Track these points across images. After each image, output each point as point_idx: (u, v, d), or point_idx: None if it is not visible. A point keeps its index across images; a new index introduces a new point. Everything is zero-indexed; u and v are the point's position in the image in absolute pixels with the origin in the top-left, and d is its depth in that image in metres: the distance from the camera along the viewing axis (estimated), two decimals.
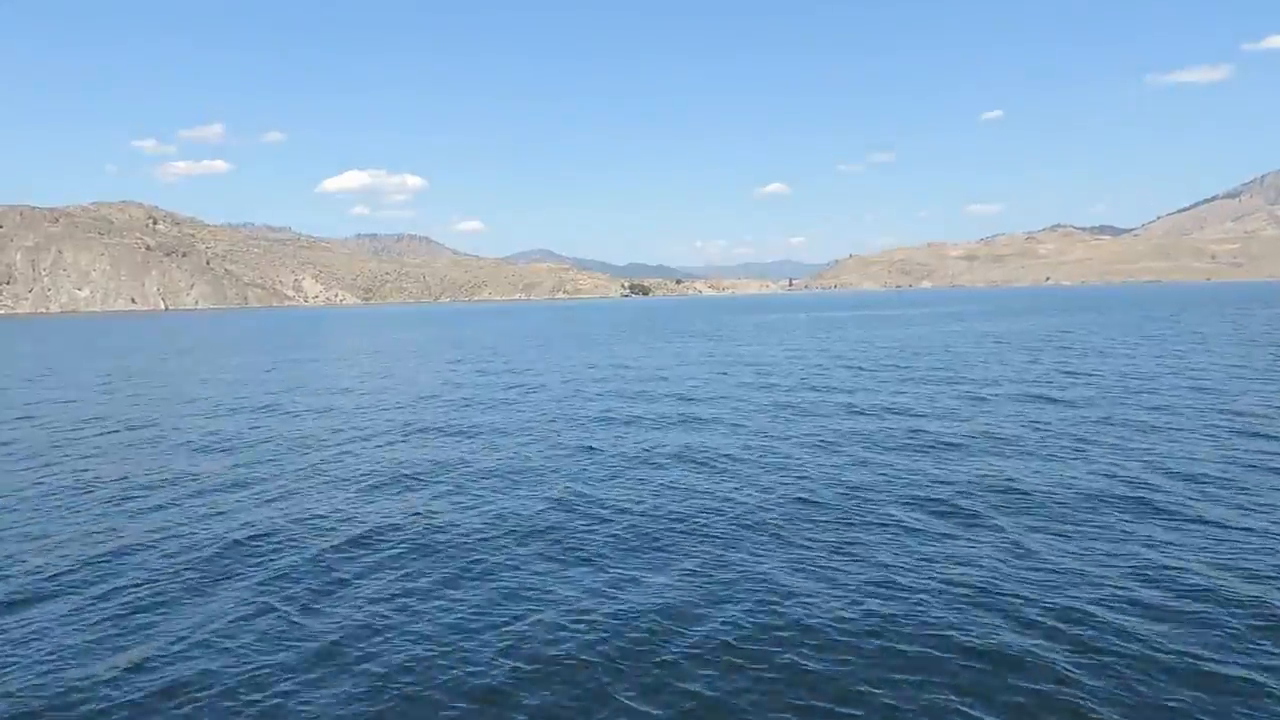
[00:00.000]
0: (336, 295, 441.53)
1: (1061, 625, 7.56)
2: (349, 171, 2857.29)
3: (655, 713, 6.35)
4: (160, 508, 12.68)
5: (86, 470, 15.60)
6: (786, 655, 7.16)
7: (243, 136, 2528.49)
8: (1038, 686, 6.47)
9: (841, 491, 12.62)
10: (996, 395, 22.66)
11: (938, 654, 7.05)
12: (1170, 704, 6.18)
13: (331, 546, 10.47)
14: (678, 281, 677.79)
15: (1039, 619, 7.70)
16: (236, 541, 10.78)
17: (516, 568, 9.57)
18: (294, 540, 10.79)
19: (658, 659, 7.17)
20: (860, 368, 31.46)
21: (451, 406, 23.50)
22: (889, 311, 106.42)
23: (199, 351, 53.76)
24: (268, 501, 12.96)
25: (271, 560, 10.03)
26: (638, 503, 12.32)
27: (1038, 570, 9.02)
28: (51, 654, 7.59)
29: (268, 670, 7.16)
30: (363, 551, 10.30)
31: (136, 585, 9.24)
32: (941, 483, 12.99)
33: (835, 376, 28.54)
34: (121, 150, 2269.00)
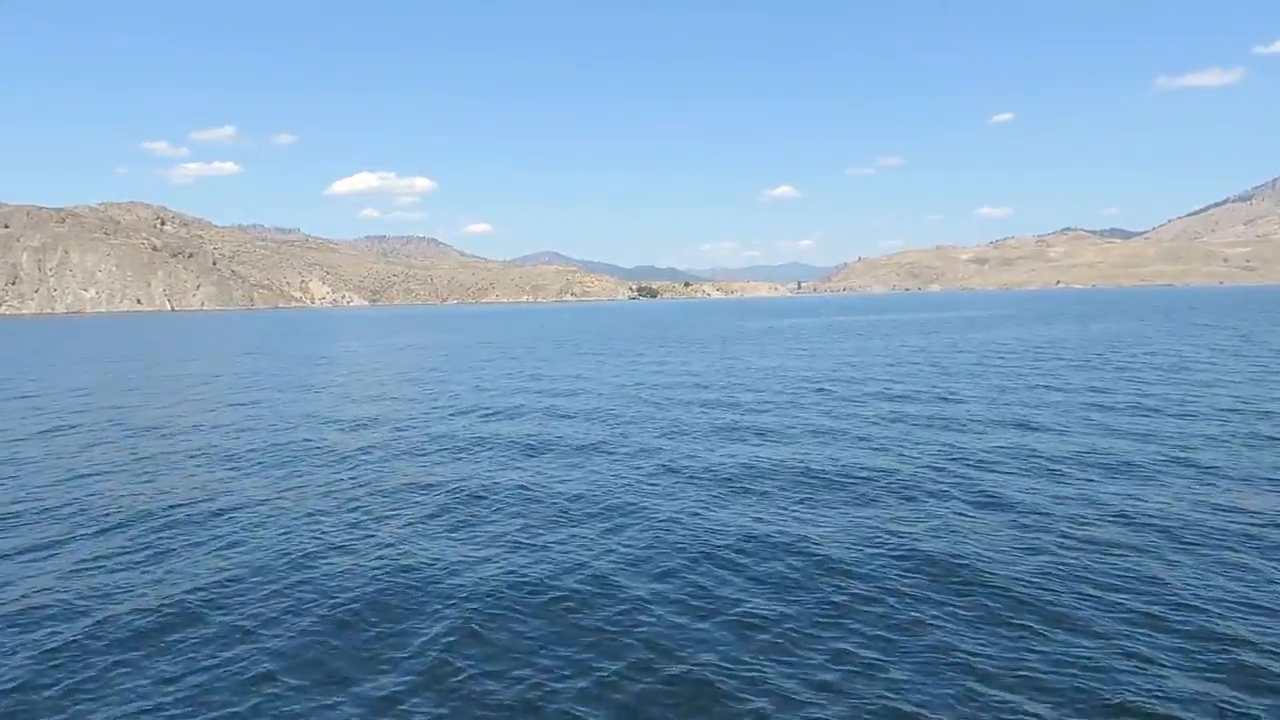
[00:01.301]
0: (344, 297, 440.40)
1: None
2: (359, 174, 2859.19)
3: None
4: None
5: None
6: None
7: (254, 138, 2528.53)
8: None
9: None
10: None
11: None
12: None
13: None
14: (686, 284, 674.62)
15: None
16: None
17: None
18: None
19: None
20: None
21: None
22: (904, 316, 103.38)
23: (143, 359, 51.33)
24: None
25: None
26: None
27: None
28: None
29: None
30: None
31: None
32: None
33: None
34: (133, 152, 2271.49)
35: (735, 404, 22.50)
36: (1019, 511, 11.29)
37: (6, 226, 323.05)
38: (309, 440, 18.20)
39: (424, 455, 16.26)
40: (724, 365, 35.42)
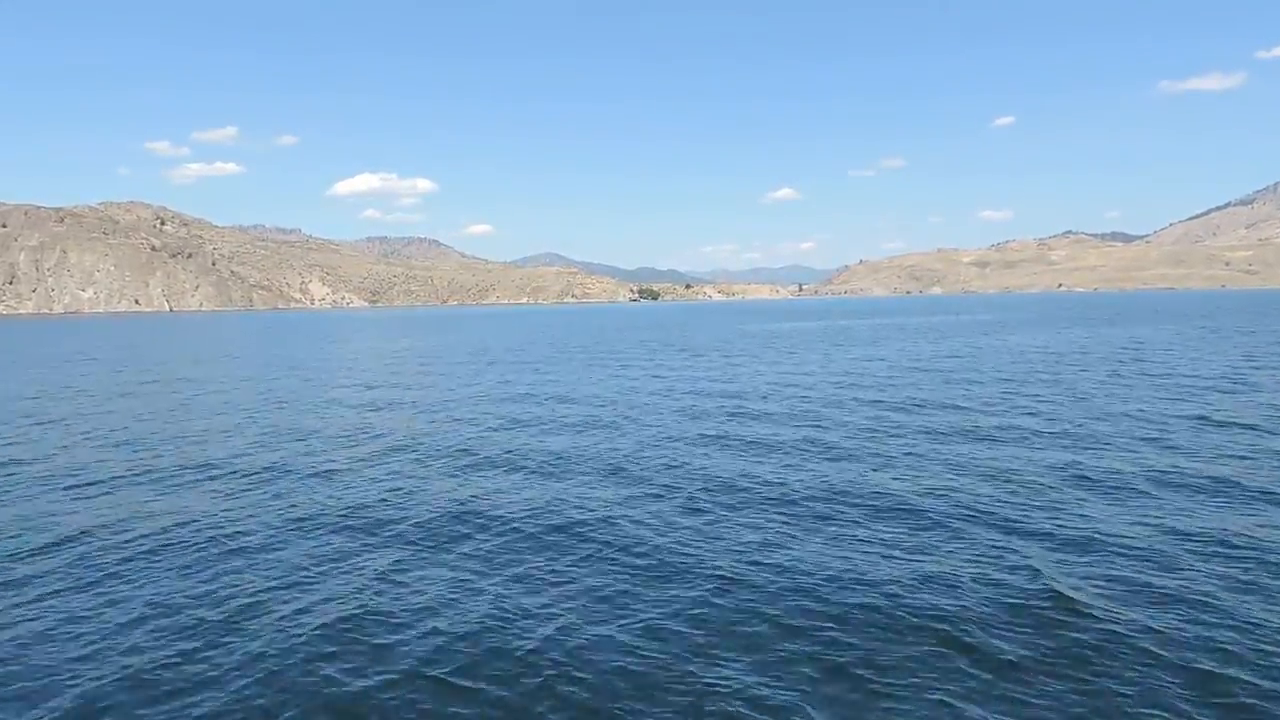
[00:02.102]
0: (343, 298, 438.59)
1: None
2: (360, 175, 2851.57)
3: None
4: None
5: None
6: None
7: (256, 139, 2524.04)
8: None
9: None
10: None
11: None
12: None
13: None
14: (687, 286, 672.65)
15: None
16: None
17: None
18: None
19: None
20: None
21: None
22: (910, 320, 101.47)
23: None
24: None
25: None
26: None
27: None
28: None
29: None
30: None
31: None
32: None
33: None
34: (135, 152, 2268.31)
35: (737, 442, 20.44)
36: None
37: (4, 226, 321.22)
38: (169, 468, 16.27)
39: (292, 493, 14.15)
40: (724, 375, 33.50)
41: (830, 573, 9.09)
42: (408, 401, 25.71)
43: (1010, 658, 7.10)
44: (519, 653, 7.33)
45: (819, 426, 18.79)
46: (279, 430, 19.90)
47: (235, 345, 64.94)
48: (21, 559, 10.14)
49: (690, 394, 26.00)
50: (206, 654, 7.43)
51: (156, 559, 10.08)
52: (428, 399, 26.18)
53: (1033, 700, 6.45)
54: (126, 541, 10.76)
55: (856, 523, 11.03)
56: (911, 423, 19.13)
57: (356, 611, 8.24)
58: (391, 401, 25.69)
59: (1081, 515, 11.12)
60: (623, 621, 7.93)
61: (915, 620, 7.80)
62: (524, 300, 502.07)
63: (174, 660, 7.32)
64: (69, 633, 7.93)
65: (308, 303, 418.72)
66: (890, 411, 20.96)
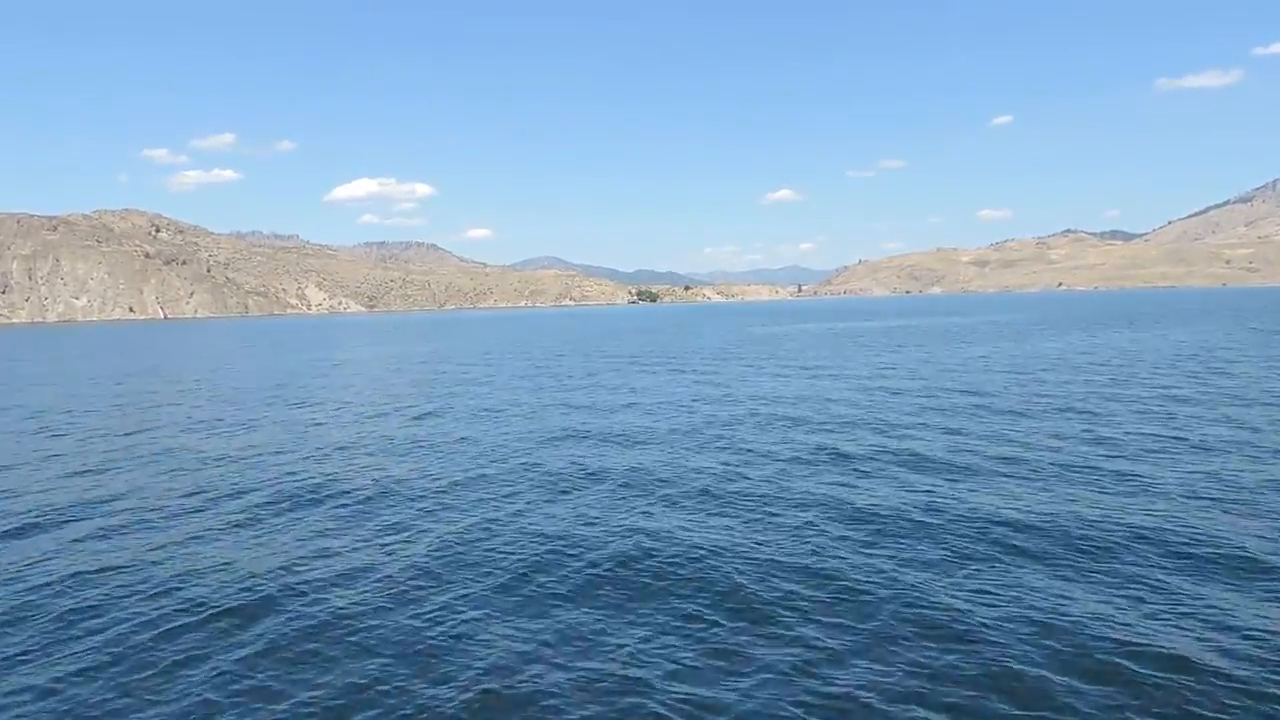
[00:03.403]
0: (341, 303, 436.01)
1: None
2: (359, 179, 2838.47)
3: None
4: None
5: None
6: None
7: (254, 145, 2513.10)
8: None
9: None
10: None
11: None
12: None
13: None
14: (686, 288, 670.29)
15: None
16: None
17: None
18: None
19: None
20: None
21: None
22: (915, 322, 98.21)
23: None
24: None
25: None
26: None
27: None
28: None
29: None
30: None
31: None
32: None
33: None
34: (133, 159, 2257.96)
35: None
36: None
37: None
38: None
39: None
40: (723, 396, 30.50)
41: None
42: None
43: None
44: None
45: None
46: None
47: (181, 360, 61.71)
48: None
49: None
50: None
51: None
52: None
53: None
54: None
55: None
56: None
57: None
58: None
59: None
60: None
61: None
62: (522, 304, 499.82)
63: None
64: None
65: (304, 308, 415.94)
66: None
